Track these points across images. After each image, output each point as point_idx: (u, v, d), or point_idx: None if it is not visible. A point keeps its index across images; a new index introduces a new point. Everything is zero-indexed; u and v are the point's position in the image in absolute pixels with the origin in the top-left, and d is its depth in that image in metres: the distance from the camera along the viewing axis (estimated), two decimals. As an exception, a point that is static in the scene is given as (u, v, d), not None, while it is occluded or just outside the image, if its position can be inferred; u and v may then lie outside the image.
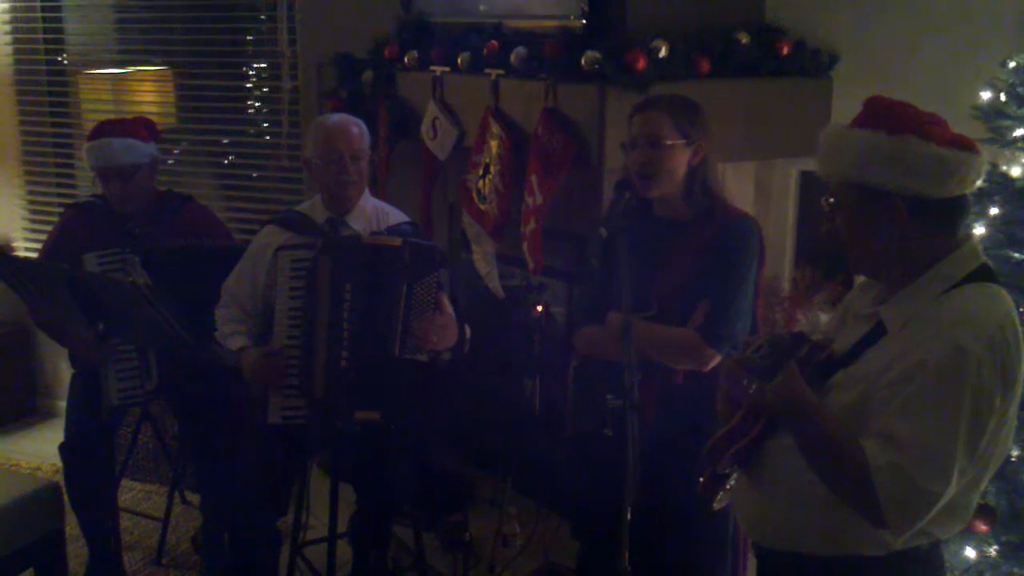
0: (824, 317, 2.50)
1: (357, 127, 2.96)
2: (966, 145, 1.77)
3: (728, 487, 1.99)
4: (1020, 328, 1.76)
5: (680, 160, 2.47)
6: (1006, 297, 1.79)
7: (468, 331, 2.95)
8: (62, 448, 3.40)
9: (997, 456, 1.79)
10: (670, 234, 2.52)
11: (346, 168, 2.90)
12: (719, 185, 2.57)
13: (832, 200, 1.86)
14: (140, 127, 3.40)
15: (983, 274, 1.79)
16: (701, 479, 1.99)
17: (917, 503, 1.68)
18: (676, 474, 2.20)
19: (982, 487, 1.82)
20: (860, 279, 2.02)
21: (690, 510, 2.20)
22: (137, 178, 3.33)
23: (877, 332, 1.84)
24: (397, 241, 2.83)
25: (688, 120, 2.47)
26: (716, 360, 2.46)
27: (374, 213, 3.01)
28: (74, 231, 3.40)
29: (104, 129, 3.36)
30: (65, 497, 3.26)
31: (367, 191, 3.04)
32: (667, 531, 2.48)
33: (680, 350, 2.47)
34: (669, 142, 2.45)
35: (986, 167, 1.81)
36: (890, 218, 1.78)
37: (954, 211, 1.80)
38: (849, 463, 1.71)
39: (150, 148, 3.39)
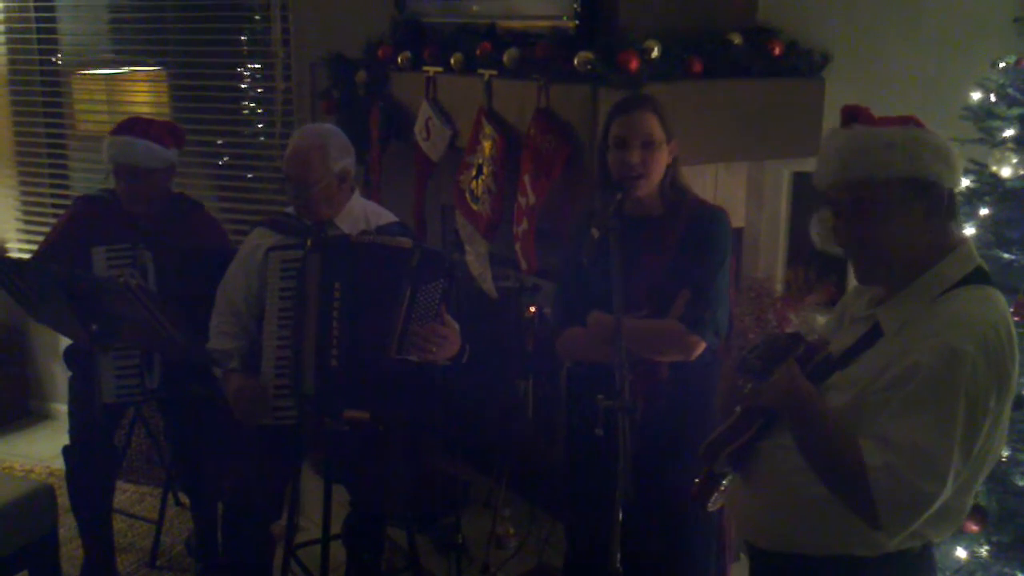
0: (820, 319, 2.50)
1: (318, 152, 2.84)
2: None
3: (723, 488, 2.00)
4: (1014, 329, 1.76)
5: (664, 158, 2.54)
6: (1001, 299, 1.79)
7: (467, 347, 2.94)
8: (66, 451, 3.39)
9: (991, 457, 1.79)
10: (644, 231, 2.54)
11: (296, 194, 2.87)
12: (685, 180, 2.62)
13: (847, 207, 1.81)
14: (165, 132, 3.38)
15: (978, 277, 1.79)
16: (697, 480, 1.99)
17: (913, 504, 1.69)
18: (664, 472, 2.20)
19: (975, 489, 1.83)
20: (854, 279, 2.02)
21: (678, 509, 2.20)
22: (149, 181, 3.33)
23: (874, 334, 1.84)
24: (408, 243, 2.81)
25: (668, 119, 2.53)
26: (701, 347, 2.48)
27: (363, 215, 2.99)
28: (82, 222, 3.39)
29: (130, 126, 3.34)
30: (59, 499, 3.25)
31: (357, 193, 3.03)
32: (655, 530, 2.48)
33: (665, 341, 2.49)
34: (659, 141, 2.50)
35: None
36: (924, 210, 1.77)
37: (956, 204, 1.83)
38: (846, 461, 1.72)
39: (169, 154, 3.37)
